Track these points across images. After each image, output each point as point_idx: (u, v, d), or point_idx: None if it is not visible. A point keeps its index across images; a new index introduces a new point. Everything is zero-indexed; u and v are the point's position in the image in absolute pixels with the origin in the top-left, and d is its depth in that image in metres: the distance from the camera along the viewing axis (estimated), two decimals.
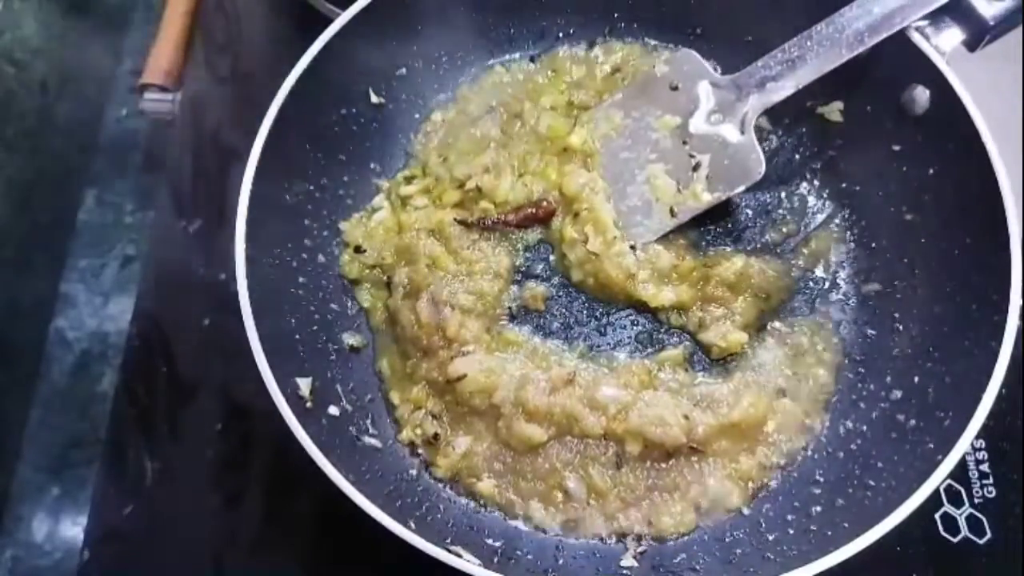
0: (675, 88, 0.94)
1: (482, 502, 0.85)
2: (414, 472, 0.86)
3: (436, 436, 0.86)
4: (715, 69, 0.96)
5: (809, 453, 0.86)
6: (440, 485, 0.86)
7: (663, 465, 0.84)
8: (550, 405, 0.84)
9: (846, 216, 0.96)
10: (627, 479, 0.84)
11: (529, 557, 0.81)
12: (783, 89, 0.89)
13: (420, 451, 0.87)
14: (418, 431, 0.87)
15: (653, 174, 0.93)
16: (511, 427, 0.84)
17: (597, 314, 0.94)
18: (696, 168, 0.92)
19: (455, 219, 0.94)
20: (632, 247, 0.91)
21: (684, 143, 0.93)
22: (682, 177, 0.92)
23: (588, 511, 0.84)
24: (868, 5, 0.85)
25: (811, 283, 0.95)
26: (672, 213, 0.91)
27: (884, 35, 0.84)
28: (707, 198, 0.91)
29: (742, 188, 0.91)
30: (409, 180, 0.99)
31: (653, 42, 1.05)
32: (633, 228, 0.93)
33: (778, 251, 0.96)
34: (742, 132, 0.91)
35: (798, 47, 0.88)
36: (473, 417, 0.86)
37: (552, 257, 0.96)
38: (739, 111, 0.91)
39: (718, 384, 0.88)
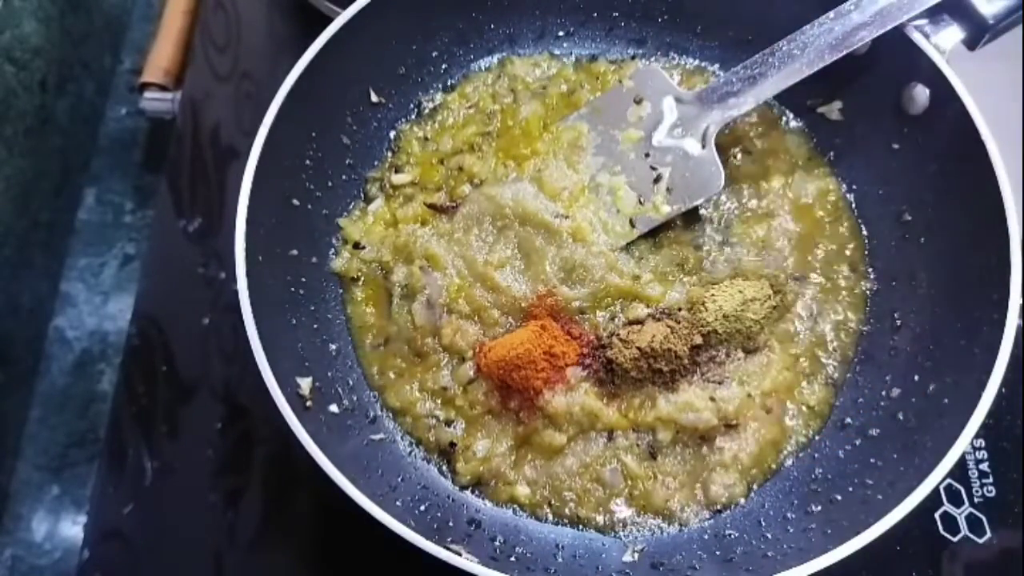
0: (639, 102, 0.95)
1: (519, 508, 0.84)
2: (414, 471, 0.86)
3: (452, 444, 0.85)
4: (715, 71, 0.95)
5: (809, 451, 0.86)
6: (441, 483, 0.86)
7: (700, 446, 0.85)
8: (568, 405, 0.84)
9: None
10: (666, 467, 0.84)
11: (529, 555, 0.80)
12: (744, 104, 0.90)
13: (437, 461, 0.87)
14: (432, 439, 0.86)
15: (616, 186, 0.93)
16: (531, 435, 0.84)
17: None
18: (657, 180, 0.92)
19: (424, 203, 0.94)
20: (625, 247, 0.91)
21: (646, 155, 0.94)
22: (644, 189, 0.93)
23: (634, 503, 0.83)
24: (829, 24, 0.86)
25: None
26: (632, 224, 0.92)
27: (844, 52, 0.85)
28: (666, 210, 0.92)
29: (701, 200, 0.92)
30: (398, 169, 0.99)
31: (653, 43, 1.05)
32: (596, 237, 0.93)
33: None
34: (703, 146, 0.91)
35: (760, 64, 0.89)
36: (488, 417, 0.86)
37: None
38: (700, 125, 0.92)
39: (741, 360, 0.88)
